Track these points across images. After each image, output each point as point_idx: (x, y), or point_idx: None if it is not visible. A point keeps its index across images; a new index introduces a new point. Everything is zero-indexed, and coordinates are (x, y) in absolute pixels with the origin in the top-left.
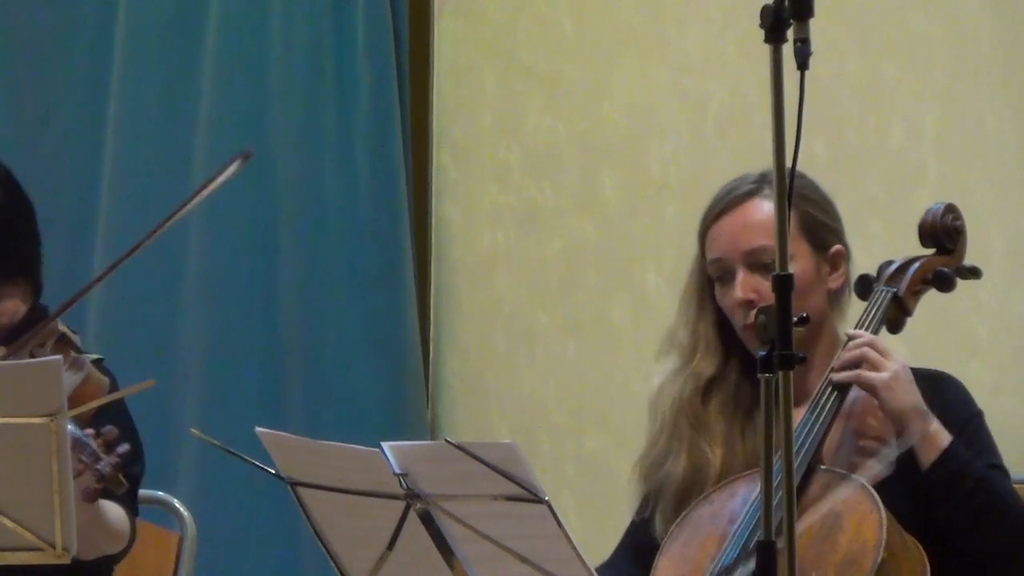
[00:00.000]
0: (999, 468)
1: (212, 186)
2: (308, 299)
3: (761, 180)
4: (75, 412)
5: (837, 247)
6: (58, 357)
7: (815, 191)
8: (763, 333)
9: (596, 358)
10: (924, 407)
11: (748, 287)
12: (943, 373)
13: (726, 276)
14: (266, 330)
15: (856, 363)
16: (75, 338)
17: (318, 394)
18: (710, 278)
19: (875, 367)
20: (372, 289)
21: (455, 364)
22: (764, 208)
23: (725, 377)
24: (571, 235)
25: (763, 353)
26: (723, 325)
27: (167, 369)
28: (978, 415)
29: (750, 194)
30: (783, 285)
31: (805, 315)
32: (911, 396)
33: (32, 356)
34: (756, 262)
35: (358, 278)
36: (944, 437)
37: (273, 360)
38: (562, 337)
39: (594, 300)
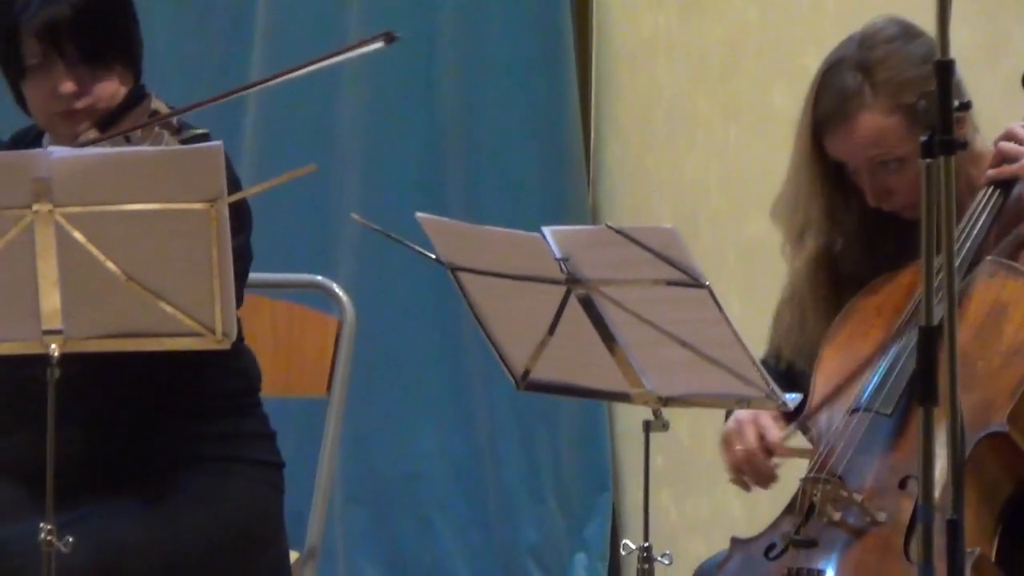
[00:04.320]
0: None
1: (345, 56)
2: (469, 85)
3: (864, 71)
4: (234, 198)
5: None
6: (219, 143)
7: (908, 63)
8: (924, 117)
9: (756, 143)
10: None
11: (879, 193)
12: None
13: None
14: (426, 116)
15: (998, 162)
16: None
17: (479, 179)
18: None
19: (1014, 157)
20: (533, 75)
21: (616, 149)
22: (877, 124)
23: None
24: (732, 19)
25: (924, 139)
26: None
27: (328, 154)
28: None
29: (859, 107)
30: (944, 72)
31: (968, 100)
32: None
33: (128, 140)
34: (880, 165)
35: (519, 64)
36: None
37: (434, 146)
38: (723, 122)
39: (755, 85)
